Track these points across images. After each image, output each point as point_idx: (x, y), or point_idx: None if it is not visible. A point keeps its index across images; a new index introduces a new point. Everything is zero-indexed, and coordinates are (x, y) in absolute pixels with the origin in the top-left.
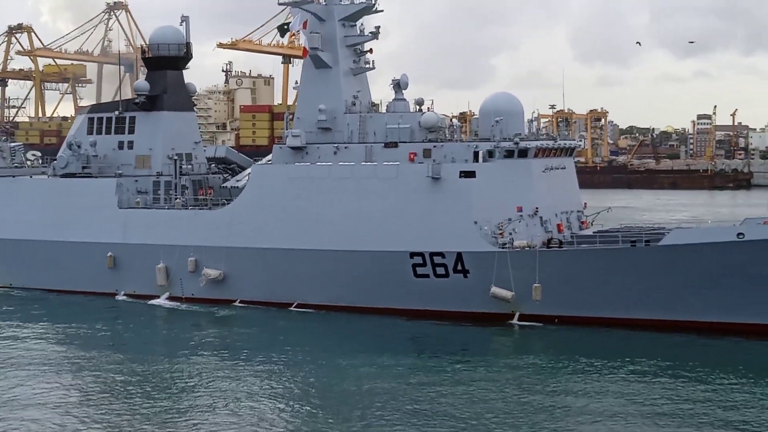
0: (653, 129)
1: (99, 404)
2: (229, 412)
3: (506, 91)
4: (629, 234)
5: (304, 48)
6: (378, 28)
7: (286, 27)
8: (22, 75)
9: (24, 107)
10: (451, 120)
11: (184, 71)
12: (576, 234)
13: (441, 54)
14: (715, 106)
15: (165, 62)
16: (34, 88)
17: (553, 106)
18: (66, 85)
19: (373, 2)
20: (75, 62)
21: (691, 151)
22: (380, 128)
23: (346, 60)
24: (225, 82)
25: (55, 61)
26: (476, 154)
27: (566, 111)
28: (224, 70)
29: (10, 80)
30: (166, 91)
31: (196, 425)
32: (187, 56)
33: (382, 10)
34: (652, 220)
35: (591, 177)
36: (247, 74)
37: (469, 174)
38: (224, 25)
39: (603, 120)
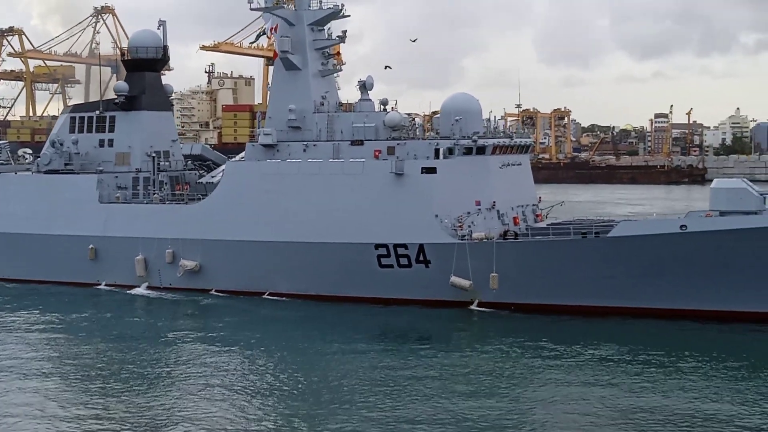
0: (613, 127)
1: (79, 389)
2: (205, 396)
3: (465, 92)
4: (580, 226)
5: (275, 51)
6: (345, 32)
7: (262, 33)
8: (13, 76)
9: (9, 107)
10: (413, 119)
11: (167, 72)
12: (531, 226)
13: (413, 56)
14: (672, 106)
15: (143, 64)
16: (25, 89)
17: (519, 106)
18: (56, 85)
19: (341, 7)
20: (64, 64)
21: (649, 148)
22: (347, 127)
23: (315, 62)
24: (208, 83)
25: (45, 63)
26: (437, 151)
27: (531, 110)
28: (207, 71)
29: (1, 81)
30: (144, 92)
31: (172, 408)
32: (164, 58)
33: (348, 15)
34: (612, 213)
35: (555, 173)
36: (229, 75)
37: (431, 170)
38: (207, 28)
39: (566, 119)
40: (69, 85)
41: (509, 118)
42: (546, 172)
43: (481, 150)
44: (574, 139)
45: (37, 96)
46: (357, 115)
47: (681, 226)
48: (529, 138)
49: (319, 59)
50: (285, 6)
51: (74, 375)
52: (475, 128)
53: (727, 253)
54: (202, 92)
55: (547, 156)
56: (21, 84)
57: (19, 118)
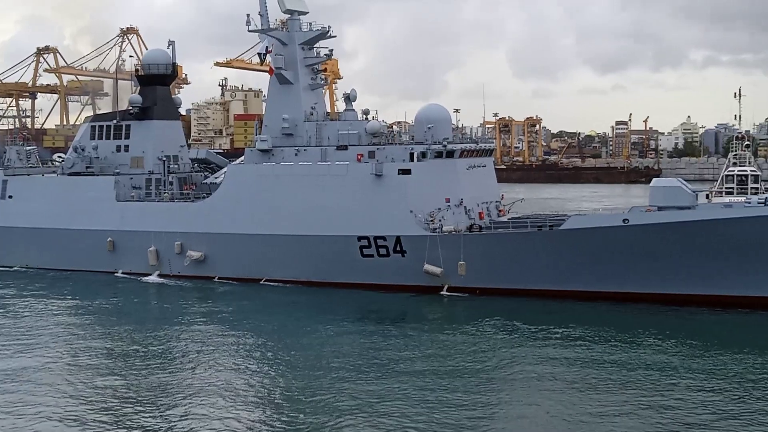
0: (579, 133)
1: (100, 363)
2: (210, 370)
3: (437, 103)
4: (537, 220)
5: (270, 67)
6: (331, 50)
7: (262, 56)
8: (49, 89)
9: (38, 117)
10: (391, 127)
11: (185, 86)
12: (494, 221)
13: (401, 70)
14: (630, 114)
15: (155, 79)
16: (59, 100)
17: (496, 114)
18: (86, 97)
19: (328, 29)
20: (94, 78)
21: (611, 152)
22: (333, 134)
23: (305, 77)
24: (221, 95)
25: (77, 78)
26: (412, 155)
27: (507, 118)
28: (220, 84)
29: (39, 93)
30: (155, 104)
31: (183, 380)
32: (173, 74)
33: (335, 36)
34: (576, 208)
35: (528, 173)
36: (240, 88)
37: (406, 171)
38: (220, 47)
39: (537, 126)
40: (98, 97)
41: (487, 126)
42: (520, 173)
43: (450, 154)
44: (544, 144)
45: (69, 107)
46: (342, 123)
47: (623, 220)
48: (492, 143)
49: (309, 74)
50: (279, 28)
51: (96, 351)
52: (445, 134)
53: (663, 243)
54: (216, 103)
55: (521, 159)
56: (56, 96)
57: (54, 127)
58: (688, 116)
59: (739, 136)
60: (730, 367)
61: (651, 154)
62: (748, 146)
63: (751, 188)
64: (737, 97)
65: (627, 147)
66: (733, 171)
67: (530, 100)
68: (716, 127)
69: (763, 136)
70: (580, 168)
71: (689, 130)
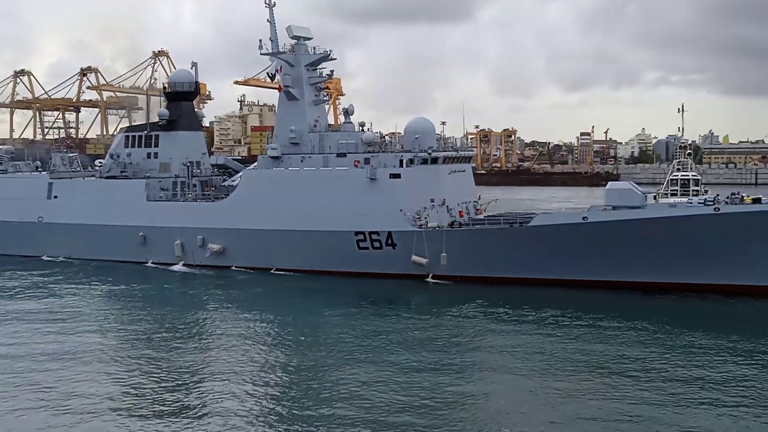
0: (549, 142)
1: (133, 340)
2: (228, 346)
3: (423, 117)
4: (509, 218)
5: (280, 85)
6: (332, 71)
7: (271, 75)
8: (90, 104)
9: (71, 128)
10: (383, 137)
11: (209, 101)
12: (472, 218)
13: (395, 88)
14: (593, 126)
15: (180, 95)
16: (99, 114)
17: (477, 126)
18: (123, 111)
19: (329, 53)
20: (129, 94)
21: (576, 159)
22: (334, 143)
23: (310, 94)
24: (240, 109)
25: (115, 94)
26: (401, 161)
27: (486, 130)
28: (239, 100)
29: (82, 108)
30: (181, 117)
31: (207, 356)
32: (196, 91)
33: (335, 59)
34: (544, 207)
35: (505, 177)
36: (256, 103)
37: (396, 176)
38: (239, 67)
39: (513, 136)
40: (133, 111)
41: (470, 136)
42: (498, 177)
43: (434, 160)
44: (519, 152)
45: (108, 119)
46: (341, 134)
47: (583, 218)
48: (471, 151)
49: (313, 92)
50: (287, 52)
51: (129, 331)
52: (430, 144)
53: (617, 238)
54: (236, 116)
55: (498, 165)
56: (97, 110)
57: (95, 136)
58: (643, 128)
59: (683, 145)
60: (678, 342)
61: (611, 161)
62: (690, 154)
63: (693, 190)
64: (680, 112)
65: (590, 155)
66: (677, 175)
67: (506, 114)
68: (667, 137)
69: (707, 145)
70: (550, 173)
71: (644, 140)
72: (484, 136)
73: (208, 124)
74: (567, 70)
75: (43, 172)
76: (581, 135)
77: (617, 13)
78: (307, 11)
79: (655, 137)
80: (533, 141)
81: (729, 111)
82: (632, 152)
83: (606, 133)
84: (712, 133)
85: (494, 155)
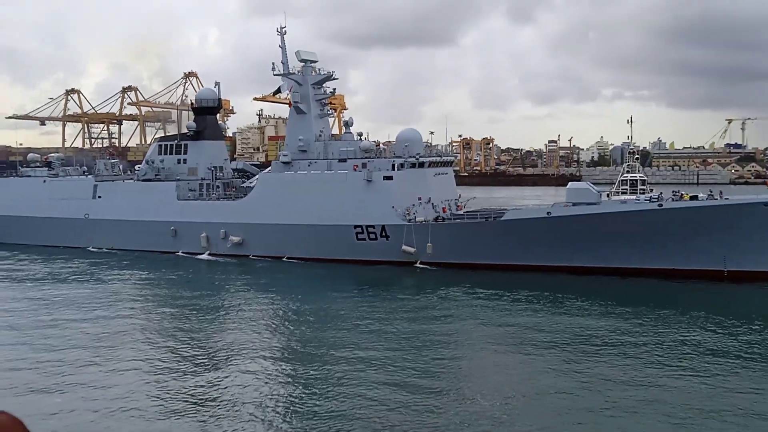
0: (522, 149)
1: (167, 318)
2: (250, 323)
3: (412, 127)
4: (485, 213)
5: (290, 101)
6: (335, 89)
7: (278, 91)
8: (131, 118)
9: (114, 139)
10: (378, 145)
11: (232, 116)
12: (454, 214)
13: (390, 103)
14: (559, 135)
15: (205, 110)
16: (138, 126)
17: (460, 135)
18: (159, 123)
19: (332, 73)
20: (164, 109)
21: (545, 163)
22: (336, 150)
23: (315, 109)
24: (258, 121)
25: (152, 109)
26: (393, 165)
27: (468, 138)
28: (258, 114)
29: (124, 121)
30: (206, 128)
31: (226, 333)
32: (219, 106)
33: (338, 78)
34: (517, 204)
35: (484, 179)
36: (273, 116)
37: (389, 178)
38: (259, 84)
39: (491, 144)
40: (167, 123)
41: (453, 144)
42: (478, 179)
43: (421, 164)
44: (496, 158)
45: (147, 131)
46: (342, 143)
47: (547, 213)
48: (453, 156)
49: (318, 107)
50: (296, 72)
51: (162, 311)
52: (418, 150)
53: (576, 229)
54: (255, 128)
55: (479, 168)
56: (136, 123)
57: (135, 145)
58: (602, 136)
59: (631, 151)
60: (631, 320)
61: (574, 164)
62: (637, 159)
63: (640, 189)
64: (630, 123)
65: (556, 159)
66: (627, 177)
67: (485, 124)
68: (621, 144)
69: (656, 150)
70: (522, 175)
71: (602, 146)
72: (466, 144)
73: (231, 135)
74: (536, 87)
75: (89, 176)
76: (549, 142)
77: (580, 38)
78: (315, 37)
79: (612, 144)
80: (508, 147)
81: (675, 121)
82: (592, 157)
83: (570, 140)
84: (660, 140)
85: (475, 160)
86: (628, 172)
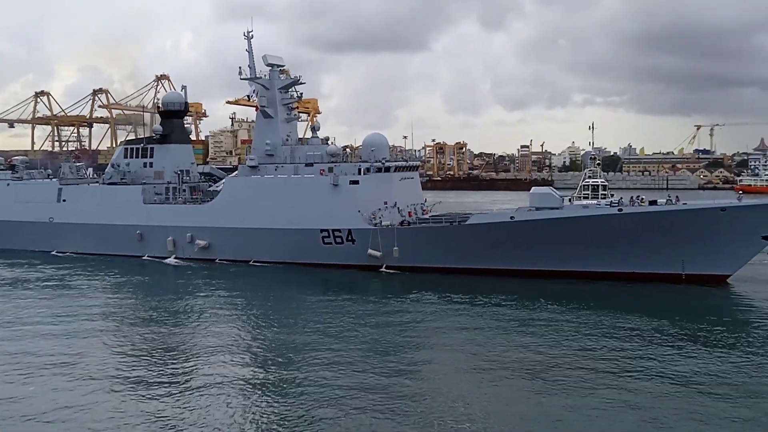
0: (494, 153)
1: (132, 323)
2: (213, 326)
3: (378, 132)
4: (450, 217)
5: (257, 105)
6: (301, 93)
7: (249, 96)
8: (102, 120)
9: (81, 140)
10: (344, 149)
11: (204, 119)
12: (419, 218)
13: (364, 107)
14: (531, 140)
15: (171, 114)
16: (109, 129)
17: (434, 140)
18: (130, 126)
19: (299, 78)
20: (135, 112)
21: (517, 167)
22: (303, 154)
23: (282, 113)
24: (231, 125)
25: (123, 112)
26: (360, 169)
27: (442, 143)
28: (231, 117)
29: (95, 123)
30: (172, 132)
31: (195, 333)
32: (185, 110)
33: (304, 83)
34: (488, 208)
35: (457, 183)
36: (245, 120)
37: (355, 182)
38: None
39: (464, 148)
40: (139, 126)
41: (427, 148)
42: (451, 183)
43: (387, 169)
44: (469, 162)
45: (117, 134)
46: (309, 147)
47: (510, 217)
48: (418, 161)
49: (285, 111)
50: (263, 77)
51: (128, 317)
52: (384, 155)
53: (539, 233)
54: (228, 131)
55: (452, 172)
56: (107, 126)
57: (106, 148)
58: (573, 141)
59: (592, 156)
60: (590, 319)
61: (546, 169)
62: (599, 164)
63: (601, 194)
64: (591, 129)
65: (529, 164)
66: (588, 182)
67: (458, 129)
68: (592, 149)
69: (626, 156)
70: (495, 179)
71: (573, 152)
72: (440, 148)
73: (204, 138)
74: (508, 92)
75: (54, 179)
76: (521, 147)
77: (551, 44)
78: (290, 42)
79: (583, 149)
80: (481, 152)
81: (644, 127)
82: (564, 162)
83: (542, 145)
84: (631, 146)
85: (448, 164)
86: (590, 177)
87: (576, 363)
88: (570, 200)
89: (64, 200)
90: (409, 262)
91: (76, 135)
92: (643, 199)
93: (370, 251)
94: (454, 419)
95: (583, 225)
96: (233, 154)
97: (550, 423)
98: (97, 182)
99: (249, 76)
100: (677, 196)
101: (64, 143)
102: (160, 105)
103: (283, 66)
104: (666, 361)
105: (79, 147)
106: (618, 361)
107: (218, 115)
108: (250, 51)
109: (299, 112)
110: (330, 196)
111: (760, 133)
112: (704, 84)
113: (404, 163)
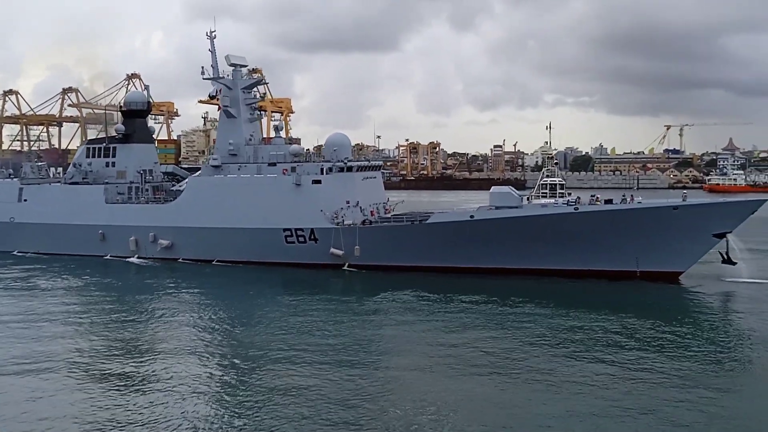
0: (468, 153)
1: (92, 321)
2: (175, 326)
3: (340, 132)
4: (411, 216)
5: (219, 105)
6: (264, 93)
7: (212, 95)
8: (71, 120)
9: (44, 141)
10: (307, 150)
11: (176, 118)
12: (381, 217)
13: (336, 107)
14: (504, 140)
15: (134, 113)
16: (79, 128)
17: (407, 140)
18: (100, 125)
19: (262, 78)
20: (106, 111)
21: (490, 167)
22: (266, 154)
23: (245, 113)
24: (204, 124)
25: (93, 111)
26: (322, 169)
27: (415, 143)
28: (203, 117)
29: (64, 123)
30: (135, 131)
31: (156, 330)
32: (148, 109)
33: (267, 82)
34: (463, 208)
35: (431, 183)
36: (218, 119)
37: (318, 182)
38: (203, 88)
39: (437, 148)
40: (110, 126)
41: (401, 147)
42: (425, 183)
43: (349, 169)
44: (443, 161)
45: (88, 133)
46: (273, 147)
47: (470, 216)
48: (380, 161)
49: (248, 111)
50: (226, 76)
51: (89, 317)
52: (346, 155)
53: (498, 232)
54: (200, 131)
55: (425, 172)
56: (77, 125)
57: (75, 148)
58: (546, 141)
59: (550, 156)
60: (548, 317)
61: (519, 168)
62: (556, 163)
63: (559, 193)
64: (548, 129)
65: (502, 164)
66: (547, 181)
67: (431, 129)
68: (564, 149)
69: (598, 156)
70: (469, 179)
71: (546, 151)
72: (413, 148)
73: (176, 137)
74: (480, 92)
75: (15, 179)
76: (494, 147)
77: (520, 46)
78: (260, 42)
79: (555, 149)
80: (454, 152)
81: (615, 127)
82: (537, 162)
83: (515, 145)
84: (602, 146)
85: (422, 164)
86: (547, 176)
87: (534, 355)
88: (528, 199)
89: (25, 200)
90: (371, 260)
91: (45, 134)
92: (598, 198)
93: (332, 250)
94: (413, 414)
95: (541, 223)
96: (205, 153)
97: (509, 413)
98: (59, 182)
99: (212, 76)
100: (632, 195)
101: (33, 143)
102: (122, 104)
103: (246, 66)
104: (619, 352)
105: (48, 146)
106: (575, 355)
107: (191, 114)
108: (213, 51)
109: (272, 112)
110: (293, 195)
111: (728, 134)
112: (672, 85)
113: (366, 163)
